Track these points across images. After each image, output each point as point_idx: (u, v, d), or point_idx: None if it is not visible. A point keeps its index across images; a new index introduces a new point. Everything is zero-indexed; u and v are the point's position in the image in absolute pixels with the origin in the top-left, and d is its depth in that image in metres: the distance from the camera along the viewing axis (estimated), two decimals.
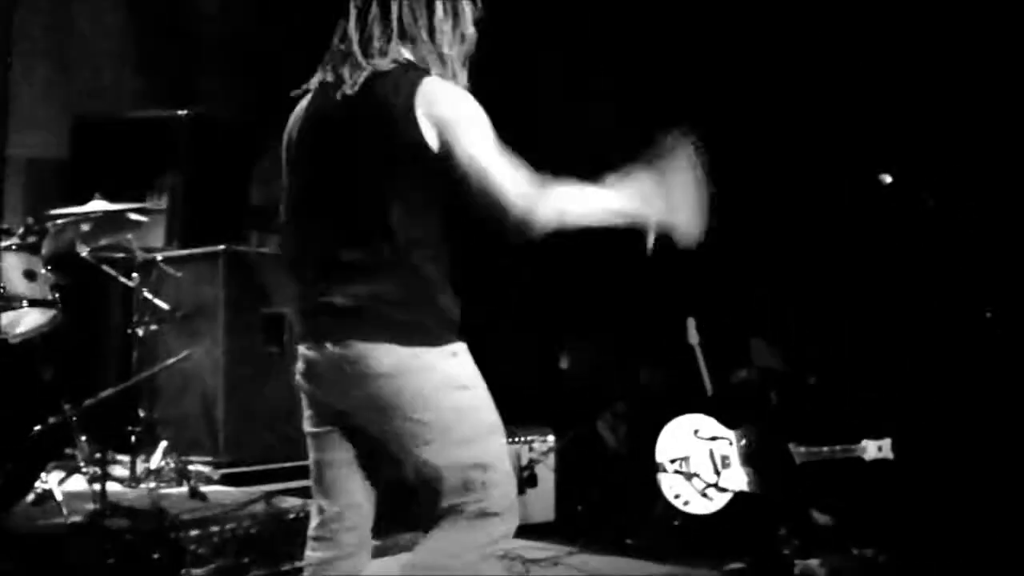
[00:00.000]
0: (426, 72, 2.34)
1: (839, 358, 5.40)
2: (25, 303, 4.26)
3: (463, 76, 2.43)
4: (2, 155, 6.03)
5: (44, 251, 4.50)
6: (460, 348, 2.36)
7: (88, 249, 4.90)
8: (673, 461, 5.03)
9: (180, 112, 6.06)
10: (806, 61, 5.62)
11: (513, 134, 2.35)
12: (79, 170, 6.08)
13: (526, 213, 2.26)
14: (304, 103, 2.47)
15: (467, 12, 2.43)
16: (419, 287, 2.30)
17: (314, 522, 2.56)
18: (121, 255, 5.14)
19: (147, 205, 5.23)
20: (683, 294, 5.67)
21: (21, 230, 4.51)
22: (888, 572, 4.41)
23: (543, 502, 5.37)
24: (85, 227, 4.75)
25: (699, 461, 5.02)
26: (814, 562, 4.51)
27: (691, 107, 5.75)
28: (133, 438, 4.91)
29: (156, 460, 4.85)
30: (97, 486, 4.21)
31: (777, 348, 5.62)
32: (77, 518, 4.07)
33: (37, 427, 3.96)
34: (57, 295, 4.38)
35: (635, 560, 4.73)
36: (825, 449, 4.79)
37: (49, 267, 4.41)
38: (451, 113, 2.28)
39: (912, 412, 4.93)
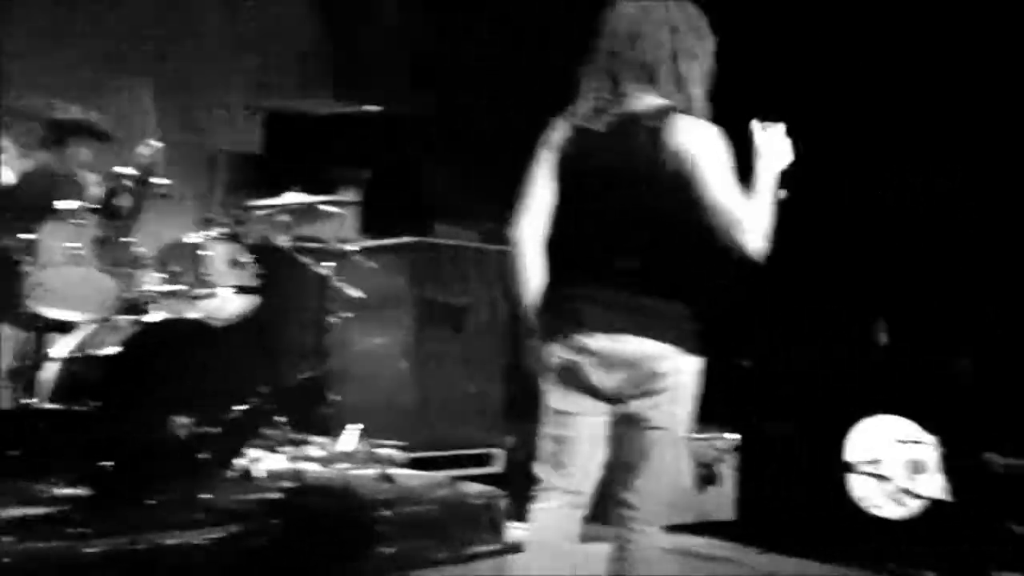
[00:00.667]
0: (675, 110, 2.67)
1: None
2: (229, 289, 4.48)
3: (706, 110, 2.74)
4: (209, 150, 6.41)
5: (246, 241, 4.73)
6: None
7: (286, 239, 5.12)
8: (865, 462, 4.86)
9: (371, 108, 6.25)
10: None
11: None
12: (277, 164, 6.36)
13: (755, 243, 2.62)
14: (569, 127, 2.78)
15: (708, 50, 2.76)
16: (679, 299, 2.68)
17: (542, 494, 2.81)
18: (316, 245, 5.35)
19: (340, 197, 5.44)
20: (868, 294, 5.50)
21: (226, 221, 4.77)
22: None
23: (723, 500, 5.30)
24: (283, 218, 4.98)
25: (893, 464, 4.84)
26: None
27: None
28: (326, 420, 5.10)
29: (348, 443, 5.02)
30: (293, 465, 4.39)
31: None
32: (275, 495, 4.24)
33: (239, 407, 4.14)
34: (258, 282, 4.60)
35: (818, 563, 4.63)
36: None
37: (250, 256, 4.63)
38: (700, 150, 2.61)
39: None
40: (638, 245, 2.68)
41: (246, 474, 4.34)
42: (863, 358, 5.41)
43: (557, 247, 2.77)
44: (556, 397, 2.76)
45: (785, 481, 5.55)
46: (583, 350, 2.68)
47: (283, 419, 4.72)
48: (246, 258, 4.60)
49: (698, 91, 2.73)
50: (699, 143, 2.63)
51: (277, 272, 5.09)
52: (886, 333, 5.22)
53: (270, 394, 4.40)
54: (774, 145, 2.75)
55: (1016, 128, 5.10)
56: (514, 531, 4.69)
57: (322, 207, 5.11)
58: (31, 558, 3.33)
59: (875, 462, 4.86)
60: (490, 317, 5.86)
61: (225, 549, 3.76)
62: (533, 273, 2.77)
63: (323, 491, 4.34)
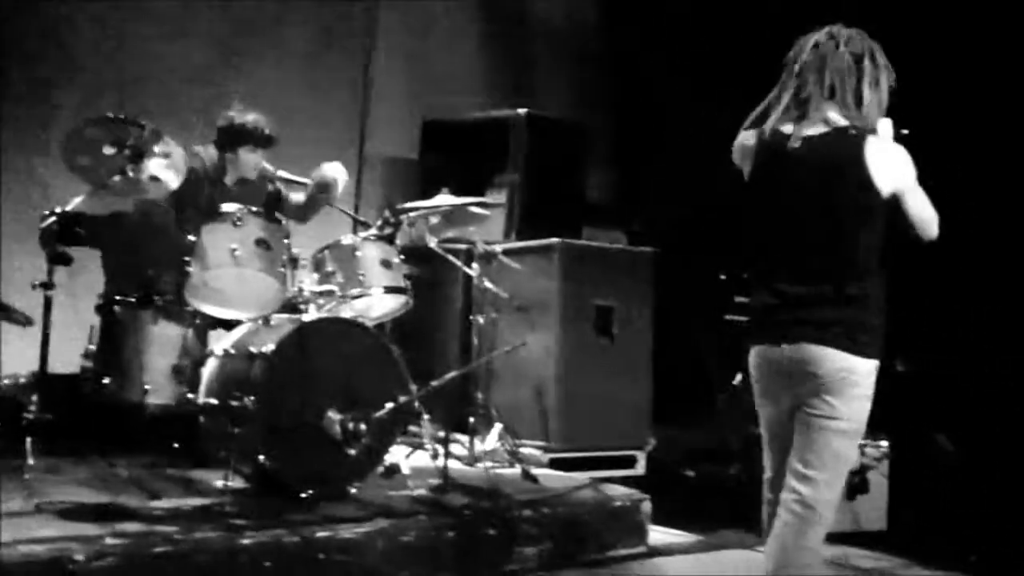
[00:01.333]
0: (863, 133, 2.92)
1: None
2: (381, 290, 4.61)
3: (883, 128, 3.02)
4: (361, 154, 6.60)
5: (398, 242, 4.85)
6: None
7: (435, 241, 5.23)
8: None
9: (518, 112, 6.32)
10: None
11: None
12: (427, 168, 6.50)
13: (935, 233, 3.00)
14: (758, 142, 3.04)
15: (885, 82, 3.00)
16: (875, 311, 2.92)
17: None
18: (464, 246, 5.44)
19: (488, 200, 5.51)
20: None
21: (378, 222, 4.90)
22: None
23: (875, 509, 5.16)
24: (433, 220, 5.08)
25: None
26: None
27: None
28: (471, 420, 5.19)
29: (491, 442, 5.09)
30: (439, 463, 4.48)
31: None
32: (422, 492, 4.34)
33: (389, 405, 4.25)
34: (408, 283, 4.71)
35: None
36: None
37: (402, 257, 4.74)
38: (898, 171, 2.92)
39: None
40: (830, 252, 2.92)
41: (393, 470, 4.45)
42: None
43: (760, 257, 3.06)
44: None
45: (938, 490, 5.38)
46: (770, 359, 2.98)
47: (430, 417, 4.81)
48: (398, 259, 4.71)
49: (874, 114, 2.97)
50: (896, 161, 2.92)
51: (427, 273, 5.21)
52: None
53: (419, 393, 4.48)
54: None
55: None
56: (656, 533, 4.69)
57: (471, 209, 5.18)
58: (192, 549, 3.48)
59: None
60: (636, 319, 5.85)
61: (373, 543, 3.87)
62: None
63: (467, 489, 4.41)
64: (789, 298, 2.94)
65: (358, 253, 4.59)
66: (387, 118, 6.73)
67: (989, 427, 5.45)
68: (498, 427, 5.13)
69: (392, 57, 6.80)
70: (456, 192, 5.05)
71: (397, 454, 4.49)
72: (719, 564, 4.57)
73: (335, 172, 4.82)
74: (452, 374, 4.79)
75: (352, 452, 4.15)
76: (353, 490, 4.20)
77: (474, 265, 5.29)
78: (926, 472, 5.61)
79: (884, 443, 5.20)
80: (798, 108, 2.99)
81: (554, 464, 5.34)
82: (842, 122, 2.95)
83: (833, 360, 2.85)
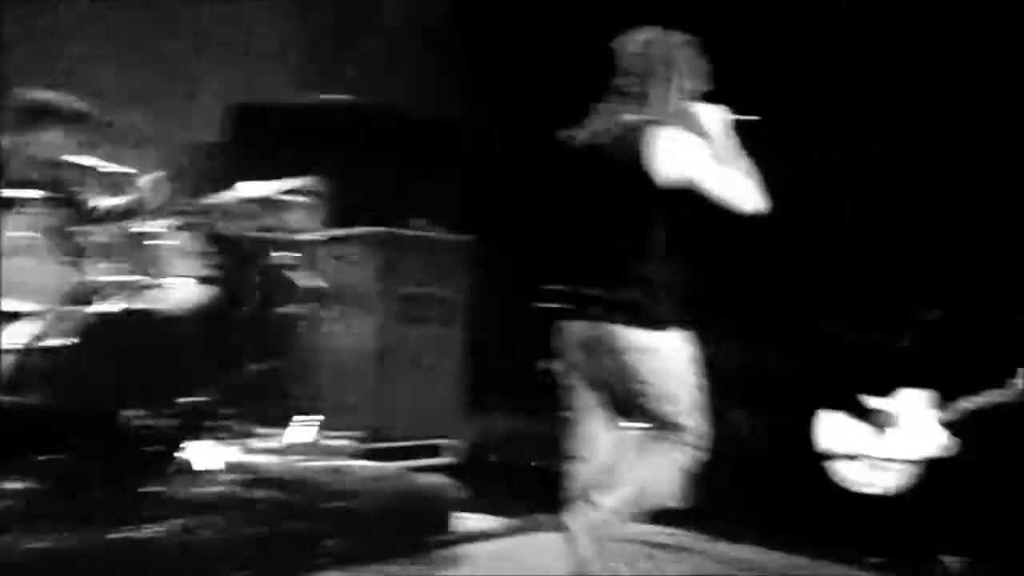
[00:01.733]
0: (658, 122, 3.17)
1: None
2: (181, 279, 4.48)
3: (690, 117, 3.25)
4: (170, 138, 6.38)
5: (203, 231, 4.72)
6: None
7: (243, 229, 5.10)
8: (839, 446, 4.89)
9: (336, 98, 6.23)
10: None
11: None
12: (238, 154, 6.33)
13: (755, 205, 3.21)
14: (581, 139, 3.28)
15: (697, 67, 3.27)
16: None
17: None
18: (275, 235, 5.33)
19: (303, 187, 5.42)
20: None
21: (183, 210, 4.75)
22: None
23: (678, 488, 5.32)
24: (241, 208, 4.96)
25: (865, 438, 4.87)
26: (957, 561, 4.34)
27: None
28: (279, 412, 5.10)
29: (300, 434, 5.03)
30: (245, 457, 4.39)
31: None
32: (226, 488, 4.25)
33: (192, 398, 4.14)
34: (212, 272, 4.59)
35: (769, 552, 4.66)
36: (998, 391, 4.57)
37: (205, 245, 4.62)
38: (684, 153, 3.15)
39: None
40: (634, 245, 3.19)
41: (195, 465, 4.34)
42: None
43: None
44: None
45: (735, 470, 5.59)
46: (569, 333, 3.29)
47: (236, 411, 4.71)
48: (203, 248, 4.58)
49: (672, 106, 3.24)
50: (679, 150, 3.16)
51: (235, 262, 5.08)
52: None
53: (224, 386, 4.39)
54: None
55: None
56: (466, 521, 4.73)
57: (284, 197, 5.09)
58: None
59: (849, 441, 4.89)
60: (451, 307, 5.86)
61: (175, 542, 3.77)
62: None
63: (274, 483, 4.34)
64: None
65: (157, 241, 4.45)
66: (195, 101, 6.52)
67: (784, 405, 5.70)
68: (307, 419, 5.06)
69: (203, 36, 6.58)
70: (266, 178, 4.95)
71: (199, 449, 4.37)
72: (526, 548, 4.63)
73: (156, 193, 4.61)
74: (260, 366, 4.70)
75: (149, 449, 4.03)
76: (151, 488, 4.07)
77: (286, 254, 5.20)
78: (724, 450, 5.81)
79: None
80: (614, 107, 3.24)
81: (366, 455, 5.31)
82: (633, 117, 3.18)
83: None
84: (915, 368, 4.97)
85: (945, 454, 4.72)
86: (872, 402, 4.90)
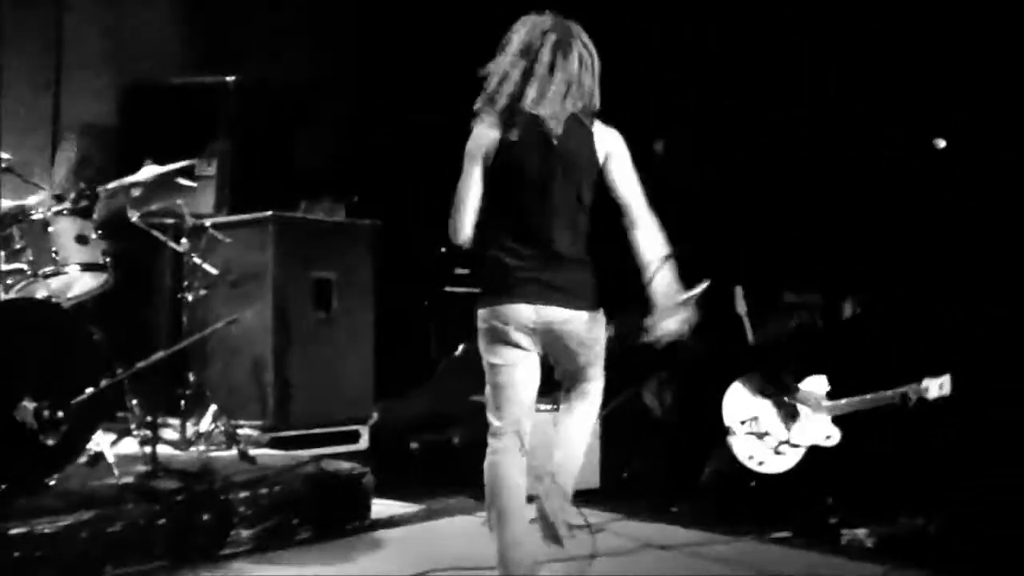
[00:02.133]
0: (591, 119, 3.32)
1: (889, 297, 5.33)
2: (77, 267, 4.31)
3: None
4: (55, 122, 6.14)
5: (96, 216, 4.55)
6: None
7: (139, 214, 4.95)
8: (743, 423, 4.98)
9: (227, 78, 6.08)
10: (858, 27, 5.56)
11: None
12: (130, 136, 6.13)
13: (634, 230, 3.36)
14: (493, 134, 3.28)
15: (596, 65, 3.32)
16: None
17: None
18: (171, 220, 5.18)
19: (196, 170, 5.28)
20: (728, 263, 5.62)
21: (73, 195, 4.57)
22: (937, 541, 4.37)
23: (588, 469, 5.34)
24: (136, 192, 4.79)
25: (768, 419, 4.97)
26: (861, 531, 4.48)
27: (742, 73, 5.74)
28: (183, 401, 4.97)
29: (206, 423, 4.91)
30: (148, 448, 4.27)
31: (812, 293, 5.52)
32: (129, 479, 4.12)
33: (89, 389, 3.99)
34: (108, 260, 4.43)
35: (679, 528, 4.74)
36: (888, 393, 4.71)
37: (100, 232, 4.45)
38: (616, 148, 3.33)
39: (970, 348, 4.84)
40: (567, 230, 3.28)
41: (97, 458, 4.19)
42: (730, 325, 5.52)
43: (499, 233, 3.29)
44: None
45: (645, 448, 5.68)
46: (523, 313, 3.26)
47: (137, 401, 4.57)
48: (95, 234, 4.42)
49: (594, 104, 3.31)
50: (620, 146, 3.33)
51: (129, 248, 4.93)
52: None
53: (123, 375, 4.24)
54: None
55: None
56: (379, 506, 4.68)
57: (177, 180, 4.94)
58: None
59: (752, 419, 4.98)
60: (356, 291, 5.78)
61: (75, 536, 3.65)
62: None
63: (179, 474, 4.23)
64: None
65: (51, 228, 4.28)
66: (83, 82, 6.28)
67: (691, 386, 5.79)
68: (212, 408, 4.94)
69: (86, 17, 6.33)
70: (160, 162, 4.79)
71: (102, 441, 4.22)
72: (440, 532, 4.61)
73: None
74: (160, 354, 4.55)
75: (49, 441, 3.87)
76: (52, 482, 3.92)
77: (182, 240, 5.07)
78: (635, 432, 5.90)
79: None
80: (539, 93, 3.22)
81: (274, 443, 5.21)
82: (569, 109, 3.26)
83: None
84: (823, 357, 5.11)
85: (829, 444, 4.87)
86: (780, 384, 5.01)
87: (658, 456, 5.63)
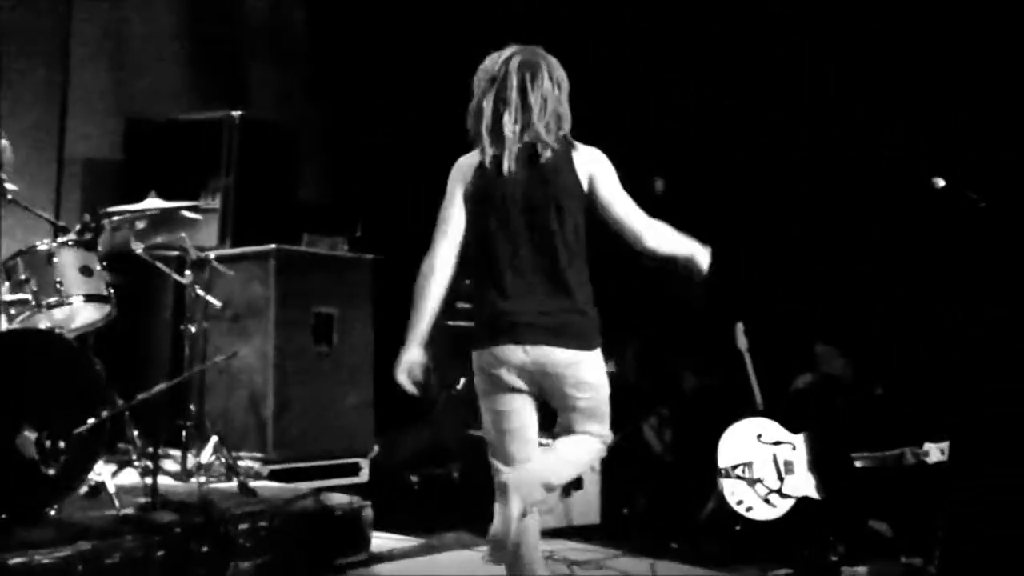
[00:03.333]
0: (569, 141, 3.22)
1: (901, 364, 5.32)
2: (81, 298, 4.33)
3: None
4: (61, 155, 6.18)
5: (100, 248, 4.57)
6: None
7: (142, 247, 4.96)
8: (735, 466, 4.98)
9: (231, 113, 6.13)
10: (856, 67, 5.60)
11: None
12: (134, 170, 6.17)
13: (646, 240, 3.24)
14: (477, 165, 3.21)
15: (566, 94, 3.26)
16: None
17: None
18: (174, 253, 5.21)
19: (200, 203, 5.31)
20: (731, 299, 5.64)
21: (78, 227, 4.59)
22: None
23: (588, 505, 5.36)
24: (140, 225, 4.83)
25: (762, 466, 4.98)
26: (861, 570, 4.47)
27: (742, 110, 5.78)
28: (184, 433, 4.96)
29: (206, 455, 4.90)
30: (148, 479, 4.25)
31: (847, 358, 5.54)
32: (128, 511, 4.11)
33: (91, 420, 4.00)
34: (112, 291, 4.45)
35: (680, 564, 4.72)
36: (888, 453, 4.72)
37: (104, 264, 4.47)
38: (599, 169, 3.22)
39: (971, 414, 4.84)
40: (558, 262, 3.16)
41: (97, 489, 4.19)
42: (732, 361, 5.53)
43: (486, 269, 3.20)
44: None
45: (645, 485, 5.66)
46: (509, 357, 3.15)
47: (138, 432, 4.57)
48: (99, 266, 4.44)
49: (567, 127, 3.23)
50: (603, 166, 3.22)
51: (133, 281, 4.95)
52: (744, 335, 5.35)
53: (124, 406, 4.25)
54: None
55: None
56: (378, 539, 4.67)
57: (181, 214, 4.97)
58: None
59: (746, 465, 4.99)
60: (356, 325, 5.80)
61: (74, 567, 3.63)
62: (437, 294, 3.26)
63: (179, 506, 4.21)
64: None
65: (55, 259, 4.29)
66: (88, 117, 6.34)
67: (692, 423, 5.79)
68: (213, 439, 4.93)
69: (92, 54, 6.40)
70: (164, 196, 4.82)
71: (102, 472, 4.22)
72: (438, 566, 4.60)
73: None
74: (162, 386, 4.56)
75: (50, 472, 3.87)
76: (52, 512, 3.91)
77: (186, 272, 5.09)
78: (635, 468, 5.89)
79: None
80: (510, 130, 3.15)
81: (274, 476, 5.20)
82: (551, 136, 3.18)
83: None
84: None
85: (819, 496, 4.88)
86: (779, 435, 5.02)
87: (658, 492, 5.62)
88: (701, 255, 3.31)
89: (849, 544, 4.71)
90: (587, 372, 3.20)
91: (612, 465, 5.45)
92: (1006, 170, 4.88)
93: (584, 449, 3.33)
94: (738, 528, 4.94)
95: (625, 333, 6.20)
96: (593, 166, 3.21)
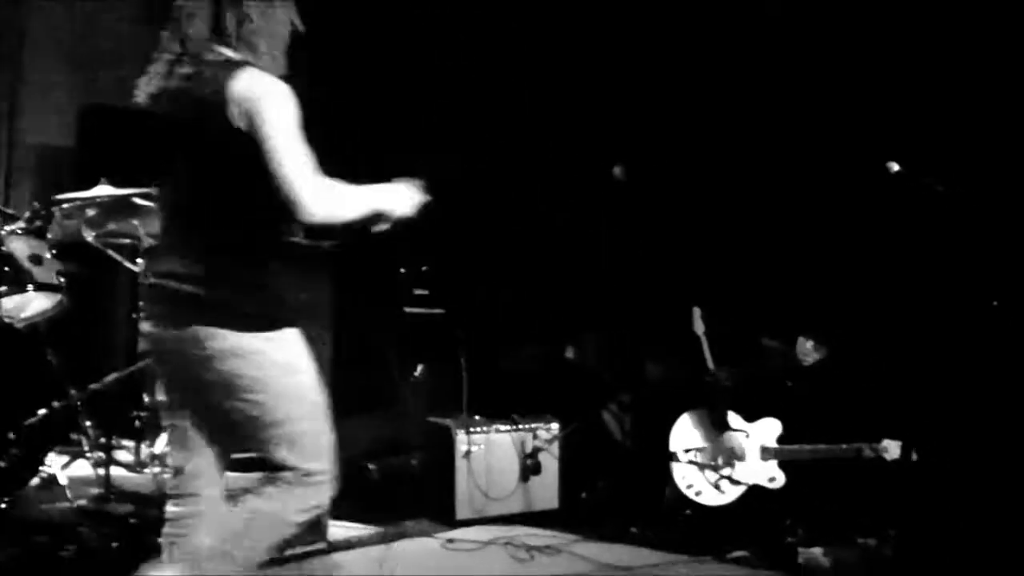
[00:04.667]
0: (241, 64, 2.56)
1: (864, 354, 5.37)
2: (31, 288, 4.26)
3: (279, 67, 2.67)
4: (9, 141, 6.09)
5: (50, 236, 4.50)
6: (289, 334, 2.63)
7: (94, 235, 4.89)
8: (688, 451, 5.02)
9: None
10: (812, 53, 5.63)
11: None
12: (86, 157, 6.08)
13: (310, 204, 2.53)
14: (147, 89, 2.75)
15: (279, 14, 2.68)
16: (250, 272, 2.57)
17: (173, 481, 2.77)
18: (127, 241, 5.13)
19: (152, 191, 5.23)
20: (690, 285, 5.66)
21: (27, 215, 4.52)
22: (891, 562, 4.41)
23: (547, 490, 5.37)
24: (91, 212, 4.74)
25: (714, 453, 5.02)
26: (817, 551, 4.51)
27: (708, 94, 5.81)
28: (137, 423, 4.91)
29: (160, 445, 4.85)
30: (102, 471, 4.22)
31: (823, 346, 5.56)
32: (82, 502, 4.08)
33: (42, 411, 3.95)
34: (63, 280, 4.39)
35: (639, 549, 4.75)
36: (843, 447, 4.77)
37: (55, 252, 4.41)
38: (258, 100, 2.49)
39: (926, 408, 4.90)
40: (200, 217, 2.59)
41: (50, 481, 4.14)
42: (682, 348, 5.55)
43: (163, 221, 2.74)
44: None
45: (605, 470, 5.68)
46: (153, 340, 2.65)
47: (91, 423, 4.51)
48: (50, 254, 4.37)
49: (276, 52, 2.67)
50: (262, 94, 2.51)
51: (84, 269, 4.87)
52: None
53: (77, 397, 4.20)
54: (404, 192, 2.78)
55: None
56: (336, 529, 4.65)
57: (133, 201, 4.89)
58: None
59: (698, 450, 5.03)
60: (313, 315, 5.74)
61: (28, 560, 3.59)
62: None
63: (133, 497, 4.18)
64: None
65: (4, 248, 4.22)
66: (40, 103, 6.24)
67: (651, 410, 5.81)
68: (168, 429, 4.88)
69: (46, 40, 6.30)
70: (118, 183, 4.75)
71: (55, 463, 4.17)
72: (397, 554, 4.58)
73: None
74: (115, 376, 4.50)
75: (1, 464, 3.82)
76: (3, 505, 3.86)
77: (138, 260, 5.01)
78: (595, 454, 5.90)
79: (555, 425, 5.43)
80: (181, 47, 2.64)
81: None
82: (227, 54, 2.61)
83: None
84: (783, 402, 5.17)
85: (772, 487, 4.92)
86: (733, 422, 5.05)
87: (618, 478, 5.63)
88: (398, 203, 2.75)
89: (804, 526, 4.75)
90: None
91: (571, 450, 5.47)
92: (963, 155, 4.93)
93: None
94: (688, 512, 4.97)
95: (586, 320, 6.22)
96: (249, 101, 2.53)
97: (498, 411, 5.45)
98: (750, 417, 5.05)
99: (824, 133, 5.59)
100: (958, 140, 5.04)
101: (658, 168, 6.03)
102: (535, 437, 5.37)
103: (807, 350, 5.35)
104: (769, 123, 5.80)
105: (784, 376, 5.36)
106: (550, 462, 5.37)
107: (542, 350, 6.36)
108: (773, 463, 4.94)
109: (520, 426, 5.35)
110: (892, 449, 4.67)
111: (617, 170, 5.61)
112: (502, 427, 5.32)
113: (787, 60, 5.70)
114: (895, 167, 4.19)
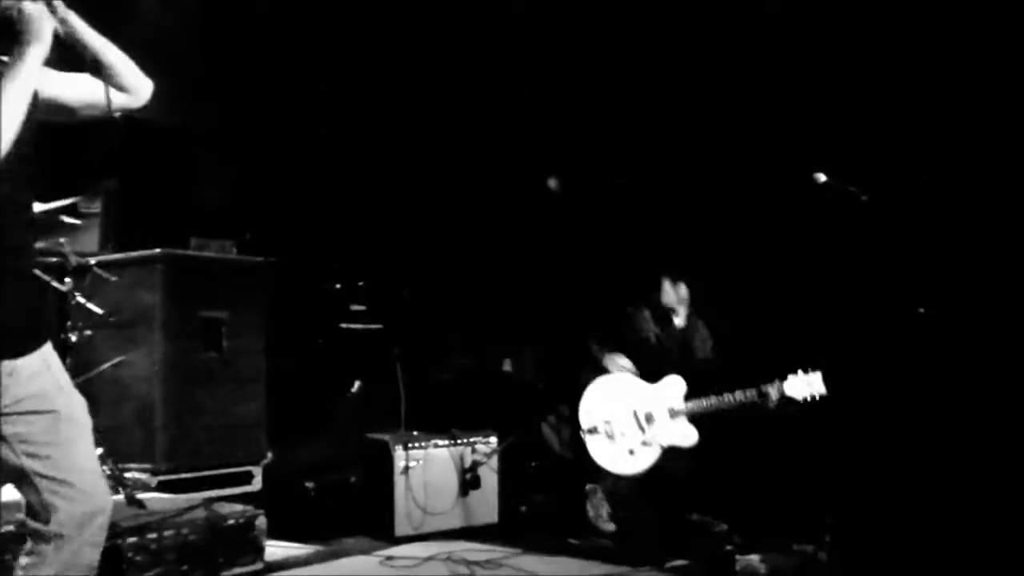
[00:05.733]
0: None
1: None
2: None
3: None
4: None
5: None
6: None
7: None
8: (595, 426, 5.03)
9: (113, 115, 5.94)
10: (739, 62, 5.72)
11: None
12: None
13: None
14: None
15: None
16: None
17: None
18: (54, 259, 5.02)
19: (80, 207, 5.12)
20: (630, 296, 5.70)
21: None
22: (827, 569, 4.46)
23: (486, 504, 5.36)
24: None
25: (622, 421, 5.02)
26: (755, 558, 4.55)
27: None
28: None
29: None
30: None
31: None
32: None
33: None
34: None
35: (578, 560, 4.75)
36: (747, 392, 4.79)
37: None
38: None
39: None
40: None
41: None
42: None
43: None
44: None
45: (544, 483, 5.69)
46: None
47: None
48: None
49: None
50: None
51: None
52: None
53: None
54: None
55: None
56: (273, 548, 4.59)
57: (60, 218, 4.79)
58: None
59: (607, 422, 5.03)
60: (248, 331, 5.67)
61: None
62: None
63: None
64: None
65: None
66: None
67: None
68: (99, 451, 4.77)
69: None
70: (43, 199, 4.65)
71: None
72: (337, 572, 4.54)
73: None
74: None
75: None
76: None
77: (66, 279, 4.91)
78: (534, 466, 5.91)
79: (493, 439, 5.42)
80: None
81: (163, 487, 5.05)
82: None
83: None
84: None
85: (687, 444, 4.94)
86: (637, 387, 5.07)
87: (556, 490, 5.64)
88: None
89: (741, 534, 4.80)
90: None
91: (510, 463, 5.46)
92: (889, 164, 5.03)
93: None
94: (622, 515, 5.00)
95: (523, 333, 6.24)
96: None
97: (436, 426, 5.43)
98: (651, 379, 5.06)
99: (755, 143, 5.68)
100: (885, 147, 5.14)
101: (588, 180, 6.08)
102: (474, 451, 5.36)
103: (667, 291, 5.36)
104: (703, 133, 5.88)
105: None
106: (489, 476, 5.37)
107: (478, 363, 6.36)
108: (683, 420, 4.94)
109: (458, 440, 5.34)
110: (798, 386, 4.66)
111: (552, 182, 5.65)
112: (440, 442, 5.30)
113: (721, 68, 5.79)
114: (822, 178, 4.26)
